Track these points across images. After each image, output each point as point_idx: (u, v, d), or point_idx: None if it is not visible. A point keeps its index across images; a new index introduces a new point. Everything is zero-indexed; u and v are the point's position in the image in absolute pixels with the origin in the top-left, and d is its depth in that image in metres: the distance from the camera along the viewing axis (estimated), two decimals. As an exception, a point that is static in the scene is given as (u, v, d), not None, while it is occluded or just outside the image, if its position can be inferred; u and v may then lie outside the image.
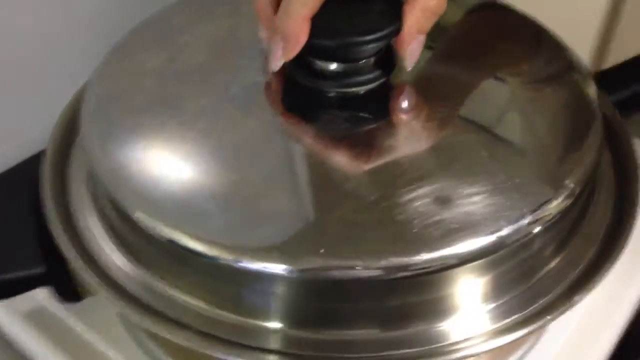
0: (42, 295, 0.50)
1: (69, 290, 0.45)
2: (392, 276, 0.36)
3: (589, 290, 0.39)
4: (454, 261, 0.36)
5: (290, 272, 0.36)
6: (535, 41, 0.48)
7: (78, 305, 0.47)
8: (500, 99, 0.44)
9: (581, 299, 0.39)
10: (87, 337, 0.49)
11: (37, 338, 0.49)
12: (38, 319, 0.50)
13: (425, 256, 0.35)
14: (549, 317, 0.38)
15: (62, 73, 0.56)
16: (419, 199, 0.37)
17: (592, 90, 0.45)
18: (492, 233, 0.36)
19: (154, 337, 0.47)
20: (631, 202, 0.44)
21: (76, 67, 0.49)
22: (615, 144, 0.47)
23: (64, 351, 0.48)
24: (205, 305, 0.39)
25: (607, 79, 0.50)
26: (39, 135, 0.48)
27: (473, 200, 0.37)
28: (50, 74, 0.58)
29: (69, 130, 0.48)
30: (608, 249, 0.42)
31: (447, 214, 0.37)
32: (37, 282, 0.44)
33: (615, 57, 0.66)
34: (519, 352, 0.48)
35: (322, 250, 0.35)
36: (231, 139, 0.41)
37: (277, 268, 0.36)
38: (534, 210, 0.38)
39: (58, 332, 0.49)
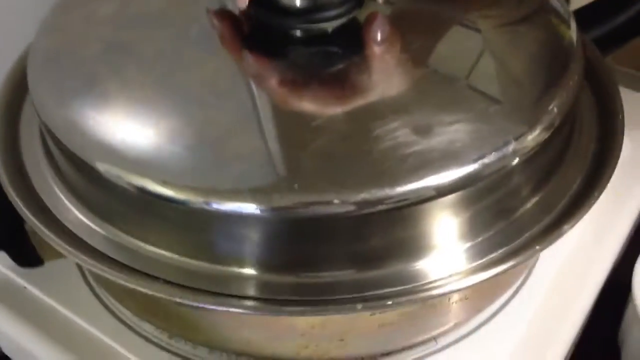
0: (0, 264, 0.48)
1: (28, 254, 0.43)
2: (370, 210, 0.33)
3: (578, 219, 0.37)
4: (433, 192, 0.34)
5: (264, 210, 0.33)
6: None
7: (40, 270, 0.44)
8: (478, 33, 0.42)
9: (570, 228, 0.37)
10: (50, 304, 0.46)
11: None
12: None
13: (404, 187, 0.34)
14: (537, 247, 0.36)
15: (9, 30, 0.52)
16: (396, 129, 0.35)
17: (572, 27, 0.43)
18: (474, 161, 0.35)
19: (121, 298, 0.44)
20: (614, 135, 0.42)
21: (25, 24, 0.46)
22: (596, 82, 0.46)
23: (26, 319, 0.45)
24: (176, 255, 0.37)
25: (582, 17, 0.48)
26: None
27: (452, 129, 0.36)
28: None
29: (19, 87, 0.45)
30: (593, 181, 0.40)
31: (427, 144, 0.35)
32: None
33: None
34: (506, 295, 0.46)
35: (296, 186, 0.33)
36: (193, 80, 0.39)
37: (250, 207, 0.33)
38: (517, 138, 0.36)
39: (19, 300, 0.46)
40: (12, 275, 0.48)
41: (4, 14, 0.56)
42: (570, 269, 0.49)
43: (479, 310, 0.44)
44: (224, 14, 0.41)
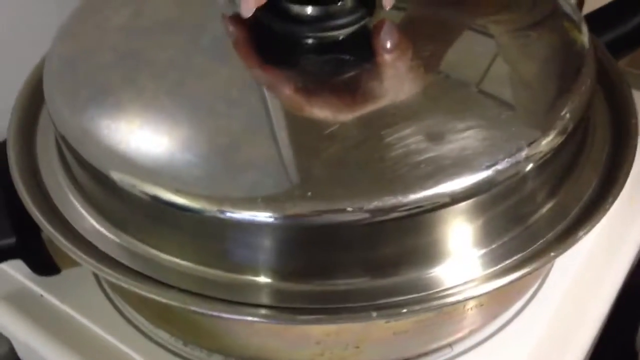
0: (18, 272, 0.48)
1: (45, 263, 0.43)
2: (384, 217, 0.33)
3: (593, 225, 0.37)
4: (447, 199, 0.34)
5: (278, 219, 0.33)
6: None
7: (56, 278, 0.44)
8: (489, 38, 0.42)
9: (585, 234, 0.37)
10: (67, 311, 0.46)
11: (15, 316, 0.46)
12: (15, 297, 0.48)
13: (418, 194, 0.33)
14: (552, 254, 0.36)
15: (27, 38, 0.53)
16: (409, 136, 0.35)
17: (584, 32, 0.43)
18: (487, 167, 0.34)
19: (137, 306, 0.44)
20: (628, 138, 0.42)
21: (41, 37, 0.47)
22: (609, 85, 0.45)
23: (43, 326, 0.46)
24: (190, 264, 0.37)
25: (593, 21, 0.48)
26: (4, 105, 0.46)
27: (465, 136, 0.35)
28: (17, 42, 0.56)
29: (35, 97, 0.46)
30: (608, 186, 0.40)
31: (440, 150, 0.35)
32: (7, 254, 0.41)
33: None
34: (522, 301, 0.46)
35: (309, 194, 0.33)
36: (206, 89, 0.39)
37: (264, 216, 0.33)
38: (530, 144, 0.36)
39: (36, 308, 0.47)
40: (28, 283, 0.48)
41: (24, 22, 0.57)
42: (587, 274, 0.48)
43: (494, 316, 0.44)
44: (238, 21, 0.41)
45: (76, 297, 0.47)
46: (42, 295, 0.47)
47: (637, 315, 0.51)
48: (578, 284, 0.48)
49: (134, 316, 0.45)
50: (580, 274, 0.48)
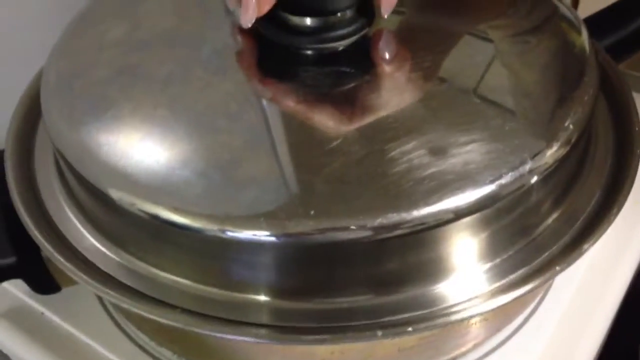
0: (18, 290, 0.48)
1: (45, 281, 0.43)
2: (388, 235, 0.33)
3: (597, 238, 0.37)
4: (452, 215, 0.34)
5: (279, 237, 0.33)
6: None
7: (57, 296, 0.44)
8: (489, 47, 0.42)
9: (590, 247, 0.36)
10: (68, 329, 0.46)
11: (15, 334, 0.46)
12: (15, 314, 0.47)
13: (422, 210, 0.33)
14: (557, 268, 0.36)
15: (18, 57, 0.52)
16: (410, 151, 0.35)
17: (585, 36, 0.42)
18: (491, 182, 0.34)
19: (139, 323, 0.44)
20: (631, 146, 0.42)
21: (35, 50, 0.46)
22: (610, 91, 0.45)
23: (44, 344, 0.45)
24: (191, 282, 0.36)
25: (593, 25, 0.47)
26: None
27: (468, 149, 0.35)
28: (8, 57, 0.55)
29: (32, 113, 0.45)
30: (612, 195, 0.40)
31: (442, 165, 0.34)
32: (7, 274, 0.41)
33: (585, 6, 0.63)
34: (525, 313, 0.46)
35: (312, 212, 0.33)
36: (205, 103, 0.38)
37: (265, 235, 0.33)
38: (535, 156, 0.35)
39: (37, 325, 0.46)
40: (29, 301, 0.47)
41: (20, 34, 0.56)
42: (590, 283, 0.48)
43: (498, 329, 0.43)
44: (238, 32, 0.41)
45: (77, 315, 0.46)
46: (42, 313, 0.47)
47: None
48: (582, 293, 0.47)
49: (137, 334, 0.45)
50: (584, 281, 0.48)
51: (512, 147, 0.35)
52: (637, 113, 0.43)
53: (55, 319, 0.47)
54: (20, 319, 0.47)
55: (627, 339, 0.51)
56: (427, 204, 0.33)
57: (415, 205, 0.33)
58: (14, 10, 0.57)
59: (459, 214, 0.34)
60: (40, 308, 0.47)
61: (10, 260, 0.41)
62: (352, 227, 0.33)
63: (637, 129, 0.42)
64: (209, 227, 0.34)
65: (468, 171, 0.34)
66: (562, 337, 0.45)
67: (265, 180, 0.35)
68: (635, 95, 0.44)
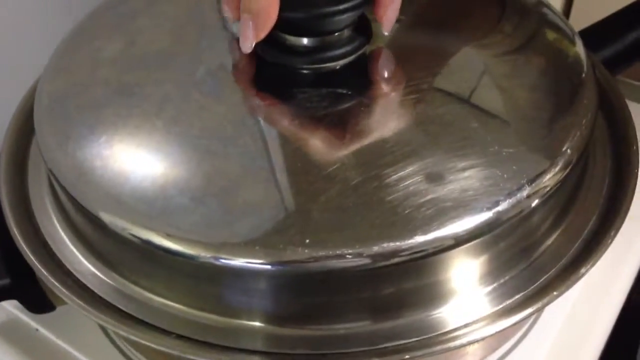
0: (12, 306, 0.47)
1: (39, 301, 0.42)
2: (384, 263, 0.33)
3: (595, 260, 0.37)
4: (450, 242, 0.33)
5: (275, 266, 0.33)
6: (515, 3, 0.46)
7: (51, 314, 0.44)
8: (483, 65, 0.42)
9: (588, 271, 0.36)
10: (63, 347, 0.46)
11: (9, 350, 0.46)
12: (9, 331, 0.47)
13: (419, 239, 0.33)
14: (555, 293, 0.36)
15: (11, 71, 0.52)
16: (408, 177, 0.34)
17: (581, 51, 0.42)
18: (489, 209, 0.34)
19: (135, 342, 0.44)
20: (629, 166, 0.41)
21: (27, 64, 0.46)
22: (607, 106, 0.44)
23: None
24: (185, 307, 0.36)
25: (588, 38, 0.47)
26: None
27: (466, 175, 0.35)
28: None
29: (25, 132, 0.45)
30: (609, 217, 0.39)
31: (440, 192, 0.34)
32: (1, 295, 0.41)
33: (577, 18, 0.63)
34: (517, 335, 0.45)
35: (307, 241, 0.33)
36: (201, 126, 0.38)
37: (260, 263, 0.33)
38: (532, 181, 0.35)
39: (31, 343, 0.46)
40: (23, 318, 0.47)
41: (13, 50, 0.56)
42: (587, 298, 0.48)
43: (495, 349, 0.43)
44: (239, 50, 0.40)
45: (72, 332, 0.46)
46: (37, 330, 0.47)
47: (638, 332, 0.50)
48: (578, 307, 0.47)
49: (132, 351, 0.45)
50: (581, 296, 0.48)
51: (510, 172, 0.35)
52: (635, 130, 0.43)
53: (50, 335, 0.46)
54: (14, 335, 0.47)
55: (624, 353, 0.51)
56: (425, 232, 0.33)
57: (413, 233, 0.33)
58: (13, 11, 0.56)
59: (456, 242, 0.34)
60: (35, 324, 0.47)
61: (4, 281, 0.40)
62: (349, 255, 0.32)
63: (635, 148, 0.42)
64: (202, 254, 0.33)
65: (466, 198, 0.34)
66: (559, 351, 0.45)
67: (261, 207, 0.34)
68: (633, 105, 0.44)
